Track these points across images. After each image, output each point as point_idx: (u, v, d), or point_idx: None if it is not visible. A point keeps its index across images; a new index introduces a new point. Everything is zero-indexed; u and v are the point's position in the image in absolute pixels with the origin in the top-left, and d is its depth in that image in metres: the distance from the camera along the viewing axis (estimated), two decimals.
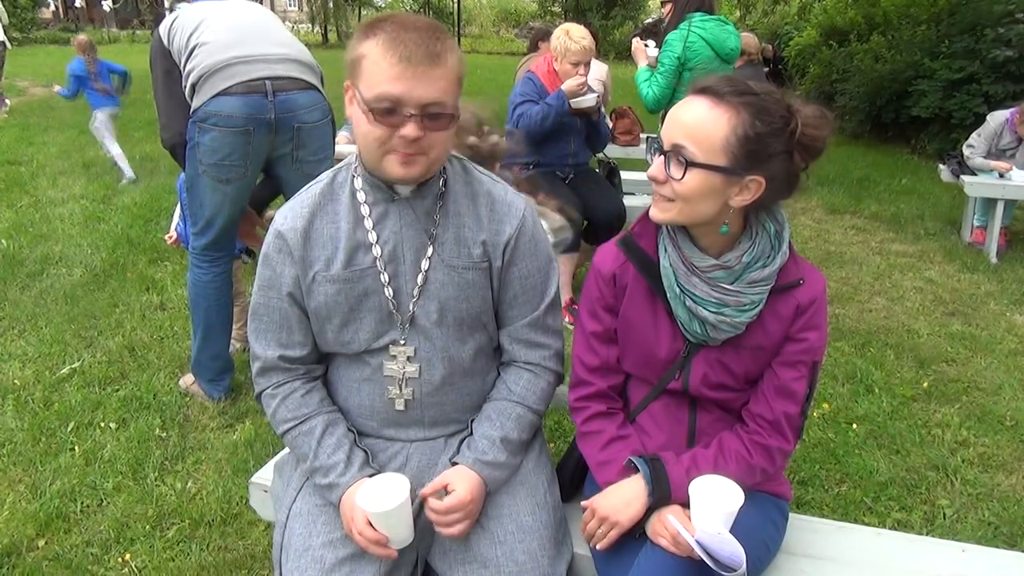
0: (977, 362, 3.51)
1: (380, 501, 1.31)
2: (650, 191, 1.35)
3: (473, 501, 1.37)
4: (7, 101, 10.73)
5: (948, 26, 8.74)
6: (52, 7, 30.17)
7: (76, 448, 2.70)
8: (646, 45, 4.04)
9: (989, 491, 2.56)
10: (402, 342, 1.44)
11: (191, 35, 2.55)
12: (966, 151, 5.22)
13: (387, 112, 1.26)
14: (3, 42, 10.87)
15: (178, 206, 3.20)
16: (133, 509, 2.39)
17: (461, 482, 1.37)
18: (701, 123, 1.25)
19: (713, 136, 1.24)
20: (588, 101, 3.70)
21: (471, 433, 1.47)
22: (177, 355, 3.38)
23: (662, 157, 1.29)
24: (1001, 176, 5.01)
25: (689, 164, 1.25)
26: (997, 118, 5.16)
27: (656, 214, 1.34)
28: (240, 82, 2.49)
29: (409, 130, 1.26)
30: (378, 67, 1.25)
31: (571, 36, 3.63)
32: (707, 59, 3.74)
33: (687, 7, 3.78)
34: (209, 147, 2.53)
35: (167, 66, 2.59)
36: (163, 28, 2.61)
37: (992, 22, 7.87)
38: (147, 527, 2.31)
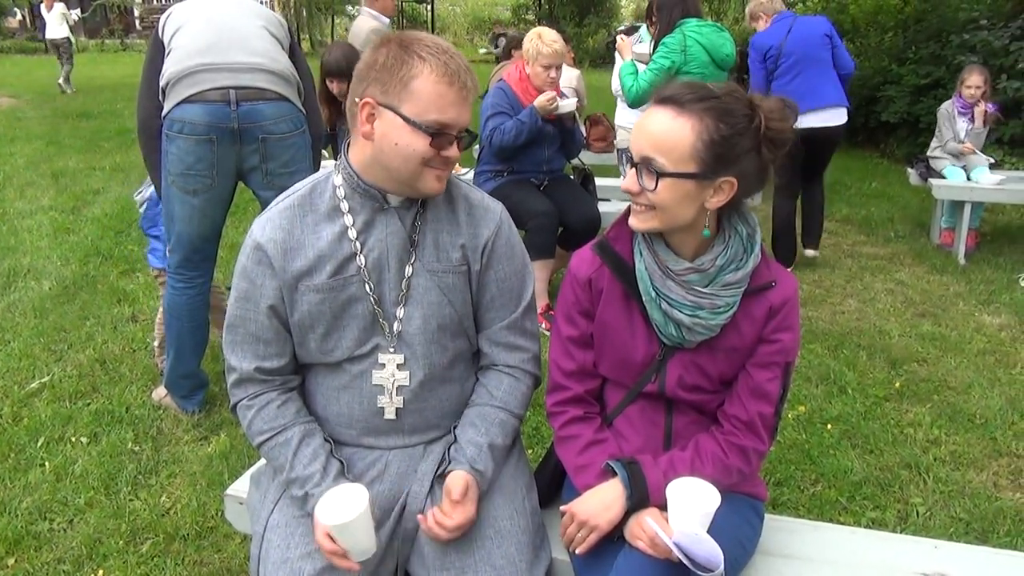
0: (947, 362, 3.57)
1: (336, 513, 1.28)
2: (625, 197, 1.36)
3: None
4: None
5: (915, 32, 8.94)
6: (19, 16, 29.68)
7: (46, 464, 2.65)
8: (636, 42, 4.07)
9: (960, 488, 2.60)
10: (391, 350, 1.44)
11: (172, 36, 2.57)
12: (932, 153, 5.29)
13: (438, 134, 1.32)
14: (68, 37, 13.12)
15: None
16: (106, 525, 2.35)
17: (471, 500, 1.38)
18: (666, 133, 1.27)
19: (680, 145, 1.26)
20: (568, 107, 3.72)
21: (455, 440, 1.47)
22: (149, 368, 3.33)
23: (634, 169, 1.31)
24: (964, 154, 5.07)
25: (660, 175, 1.27)
26: (944, 108, 5.20)
27: (636, 223, 1.35)
28: (203, 90, 2.49)
29: (454, 151, 1.36)
30: (435, 91, 1.31)
31: (543, 39, 3.67)
32: (702, 64, 3.75)
33: (673, 13, 3.80)
34: (176, 156, 2.54)
35: (153, 54, 2.62)
36: (162, 19, 2.66)
37: (957, 28, 8.06)
38: (120, 543, 2.27)
